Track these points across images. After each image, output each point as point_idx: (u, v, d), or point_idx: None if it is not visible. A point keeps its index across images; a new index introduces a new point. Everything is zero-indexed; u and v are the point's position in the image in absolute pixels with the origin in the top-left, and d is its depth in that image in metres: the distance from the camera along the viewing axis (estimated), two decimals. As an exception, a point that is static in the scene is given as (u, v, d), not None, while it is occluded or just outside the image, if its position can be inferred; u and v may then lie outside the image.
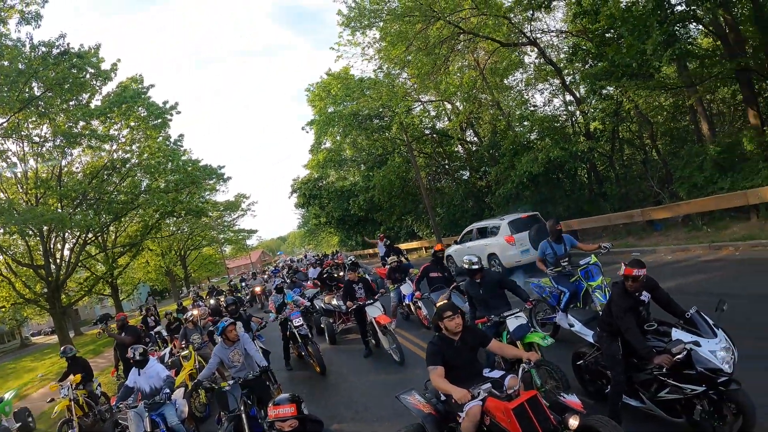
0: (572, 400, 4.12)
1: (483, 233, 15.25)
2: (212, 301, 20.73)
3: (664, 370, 4.20)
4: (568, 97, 21.22)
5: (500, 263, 14.09)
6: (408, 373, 7.98)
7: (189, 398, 8.10)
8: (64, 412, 9.08)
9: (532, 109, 22.82)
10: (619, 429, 3.87)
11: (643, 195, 18.11)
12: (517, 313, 6.06)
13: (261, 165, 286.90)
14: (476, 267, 6.47)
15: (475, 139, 27.43)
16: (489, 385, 4.11)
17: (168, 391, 6.53)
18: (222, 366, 7.07)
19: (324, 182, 39.64)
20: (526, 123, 22.63)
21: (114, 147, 24.71)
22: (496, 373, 4.58)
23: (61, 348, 10.87)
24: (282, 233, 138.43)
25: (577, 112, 20.22)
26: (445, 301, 4.83)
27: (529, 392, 3.98)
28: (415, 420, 4.97)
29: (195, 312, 13.33)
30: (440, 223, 27.28)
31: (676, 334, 4.28)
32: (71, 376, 9.44)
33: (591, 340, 5.25)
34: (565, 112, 22.02)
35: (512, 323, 5.93)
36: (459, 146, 28.76)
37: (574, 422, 3.75)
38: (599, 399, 5.20)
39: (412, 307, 10.90)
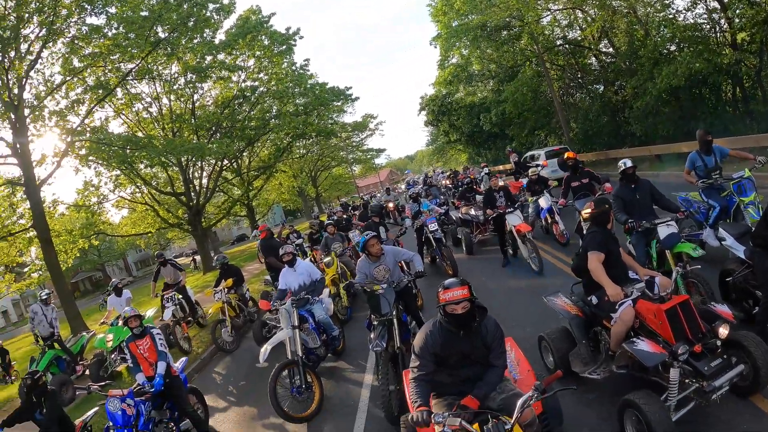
0: (723, 309, 4.02)
1: (533, 158, 21.25)
2: (340, 207, 21.83)
3: None
4: (712, 4, 18.80)
5: None
6: (546, 282, 7.89)
7: (333, 301, 9.00)
8: (218, 313, 10.17)
9: (671, 15, 20.52)
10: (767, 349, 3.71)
11: (795, 116, 16.04)
12: (668, 221, 5.70)
13: (387, 86, 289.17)
14: (630, 170, 6.17)
15: (611, 50, 25.21)
16: (642, 284, 4.13)
17: (312, 289, 7.27)
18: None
19: (453, 98, 38.68)
20: (665, 30, 20.53)
21: (242, 77, 26.03)
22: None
23: (215, 256, 12.43)
24: (410, 152, 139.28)
25: (722, 21, 18.03)
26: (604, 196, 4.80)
27: (681, 296, 3.96)
28: (558, 324, 5.25)
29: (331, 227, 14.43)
30: (574, 138, 26.05)
31: None
32: (224, 281, 10.44)
33: (742, 256, 4.92)
34: (708, 21, 19.57)
35: (663, 231, 5.61)
36: (593, 58, 26.72)
37: (724, 331, 3.68)
38: (746, 320, 4.80)
39: (549, 219, 10.49)
